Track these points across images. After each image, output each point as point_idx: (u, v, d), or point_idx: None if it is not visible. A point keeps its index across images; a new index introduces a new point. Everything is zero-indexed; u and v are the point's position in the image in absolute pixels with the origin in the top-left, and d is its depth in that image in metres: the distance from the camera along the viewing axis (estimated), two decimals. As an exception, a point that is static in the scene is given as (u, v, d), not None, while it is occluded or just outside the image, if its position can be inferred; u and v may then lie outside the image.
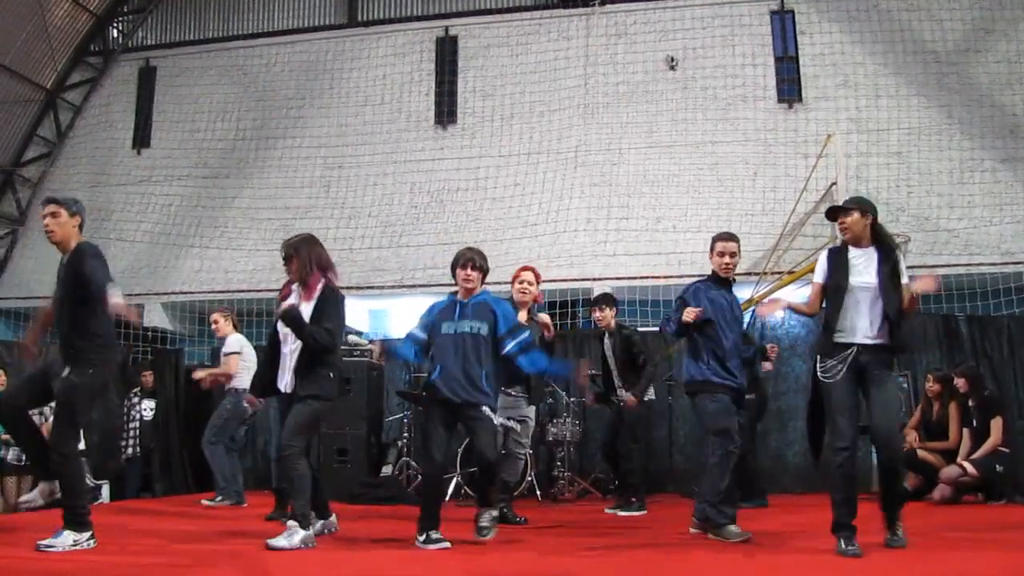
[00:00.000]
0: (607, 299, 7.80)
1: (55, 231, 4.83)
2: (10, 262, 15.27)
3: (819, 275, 4.89)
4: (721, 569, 4.33)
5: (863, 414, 4.71)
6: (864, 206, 4.79)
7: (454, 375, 5.01)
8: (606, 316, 7.63)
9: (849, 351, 4.64)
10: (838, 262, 4.81)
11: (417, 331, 5.26)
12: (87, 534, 4.60)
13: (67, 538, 4.53)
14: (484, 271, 5.28)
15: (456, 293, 5.27)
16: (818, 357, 4.81)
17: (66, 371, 4.69)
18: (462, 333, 5.08)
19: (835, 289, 4.74)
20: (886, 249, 4.78)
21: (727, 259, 5.55)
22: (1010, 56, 12.63)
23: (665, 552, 4.92)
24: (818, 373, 4.77)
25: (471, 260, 5.20)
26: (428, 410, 5.28)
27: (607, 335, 7.65)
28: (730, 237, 5.62)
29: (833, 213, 4.88)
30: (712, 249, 5.62)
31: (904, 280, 4.71)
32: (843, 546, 4.41)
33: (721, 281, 5.62)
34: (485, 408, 5.01)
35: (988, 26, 12.82)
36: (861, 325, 4.67)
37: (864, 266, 4.73)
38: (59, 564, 4.21)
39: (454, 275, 5.27)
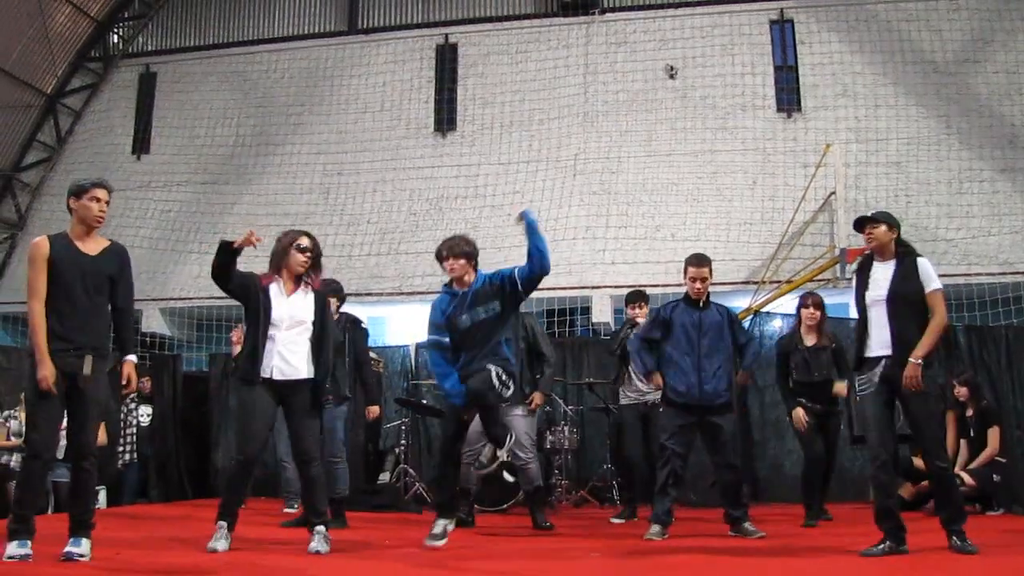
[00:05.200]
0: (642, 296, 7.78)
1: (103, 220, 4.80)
2: (9, 267, 15.28)
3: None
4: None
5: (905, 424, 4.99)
6: (891, 220, 5.03)
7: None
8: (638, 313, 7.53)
9: (878, 365, 4.86)
10: (861, 277, 5.08)
11: (437, 337, 5.35)
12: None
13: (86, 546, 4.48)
14: (468, 255, 5.39)
15: (451, 284, 5.42)
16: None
17: (89, 367, 4.55)
18: (480, 321, 5.25)
19: (859, 303, 5.03)
20: (906, 262, 4.96)
21: (698, 284, 5.96)
22: (1008, 67, 12.67)
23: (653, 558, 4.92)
24: (856, 388, 5.09)
25: (450, 249, 5.39)
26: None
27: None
28: (700, 262, 6.00)
29: (860, 224, 5.09)
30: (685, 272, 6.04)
31: (929, 289, 4.89)
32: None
33: (692, 302, 6.02)
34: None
35: (987, 37, 12.86)
36: (882, 338, 4.88)
37: (883, 280, 4.95)
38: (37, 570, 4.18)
39: (443, 268, 5.43)
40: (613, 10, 14.20)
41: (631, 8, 14.19)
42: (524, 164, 13.60)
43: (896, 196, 12.37)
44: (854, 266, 10.61)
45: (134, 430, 10.18)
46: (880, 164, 12.56)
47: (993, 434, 7.75)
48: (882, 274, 4.98)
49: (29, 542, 4.34)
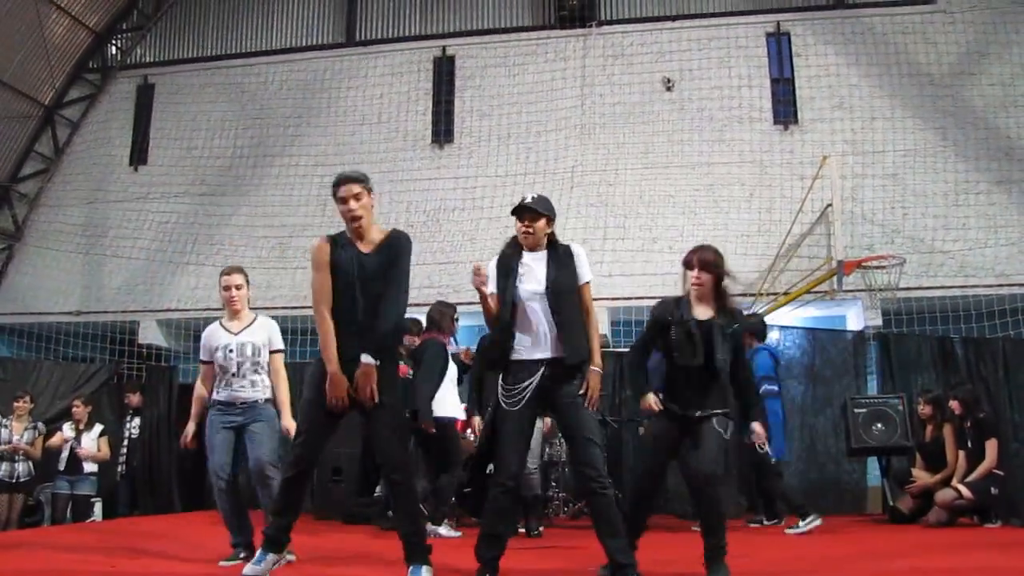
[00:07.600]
0: None
1: (363, 215, 4.53)
2: (6, 278, 15.22)
3: (491, 285, 4.38)
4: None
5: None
6: (551, 213, 4.48)
7: None
8: None
9: (538, 370, 4.22)
10: (505, 269, 4.39)
11: None
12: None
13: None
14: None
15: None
16: (500, 379, 4.34)
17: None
18: None
19: (503, 299, 4.32)
20: (559, 249, 4.44)
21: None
22: (1004, 79, 12.71)
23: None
24: (500, 398, 4.29)
25: None
26: None
27: None
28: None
29: (520, 212, 4.41)
30: None
31: (584, 280, 4.37)
32: None
33: None
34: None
35: (982, 49, 12.91)
36: (539, 339, 4.27)
37: (537, 270, 4.37)
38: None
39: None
40: (610, 22, 14.24)
41: (628, 20, 14.22)
42: (521, 176, 13.59)
43: (893, 208, 12.40)
44: (851, 277, 10.52)
45: (125, 443, 10.19)
46: (877, 176, 12.58)
47: (991, 446, 7.74)
48: (535, 264, 4.36)
49: (270, 554, 4.21)
